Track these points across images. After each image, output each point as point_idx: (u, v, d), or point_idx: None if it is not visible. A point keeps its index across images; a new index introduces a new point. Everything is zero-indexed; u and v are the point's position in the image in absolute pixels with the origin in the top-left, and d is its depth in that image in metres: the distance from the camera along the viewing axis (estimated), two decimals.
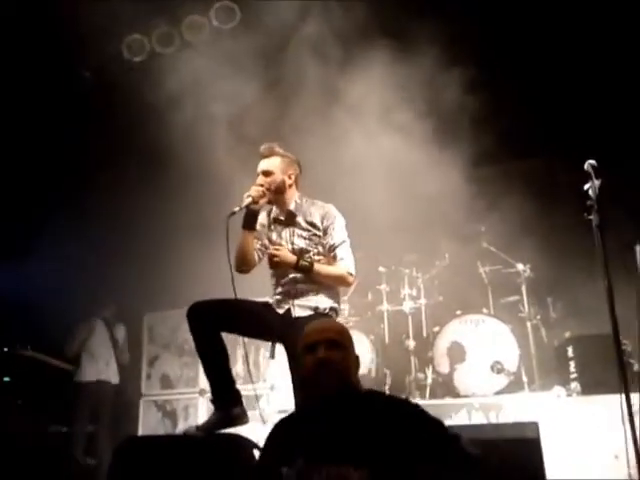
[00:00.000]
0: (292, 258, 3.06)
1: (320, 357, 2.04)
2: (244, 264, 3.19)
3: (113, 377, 6.04)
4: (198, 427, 3.03)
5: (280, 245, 3.17)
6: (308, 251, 3.14)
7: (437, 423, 1.98)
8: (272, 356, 3.24)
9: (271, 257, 3.07)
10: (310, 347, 2.10)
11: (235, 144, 4.65)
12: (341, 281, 3.15)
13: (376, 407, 2.02)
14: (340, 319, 5.23)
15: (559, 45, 4.87)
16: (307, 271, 3.06)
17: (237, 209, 3.09)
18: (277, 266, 3.09)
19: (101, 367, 5.94)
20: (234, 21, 5.41)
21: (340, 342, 2.11)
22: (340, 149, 4.73)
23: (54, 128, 5.82)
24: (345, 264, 3.12)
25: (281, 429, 2.18)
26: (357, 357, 2.19)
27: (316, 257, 3.15)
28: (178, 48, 5.56)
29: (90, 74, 5.82)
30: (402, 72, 4.65)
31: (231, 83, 4.82)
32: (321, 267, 3.10)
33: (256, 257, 3.25)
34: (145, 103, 4.96)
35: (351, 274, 3.13)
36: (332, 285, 3.18)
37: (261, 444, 2.84)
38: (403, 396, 5.02)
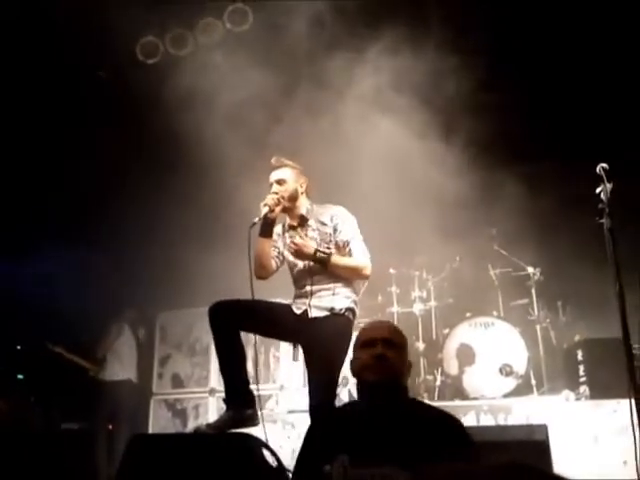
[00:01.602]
0: (311, 248, 3.11)
1: (378, 352, 2.12)
2: (262, 270, 3.26)
3: (134, 376, 6.19)
4: (209, 425, 3.07)
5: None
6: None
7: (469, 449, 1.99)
8: (295, 358, 3.28)
9: (292, 245, 3.13)
10: (367, 343, 2.18)
11: (248, 147, 4.68)
12: (359, 273, 3.17)
13: (421, 414, 2.08)
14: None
15: (572, 44, 4.84)
16: (324, 262, 3.10)
17: (257, 220, 3.16)
18: (297, 254, 3.14)
19: (126, 367, 6.11)
20: (247, 24, 5.44)
21: (396, 342, 2.19)
22: (351, 150, 4.75)
23: (67, 129, 5.87)
24: (360, 259, 3.16)
25: (322, 427, 2.23)
26: (410, 363, 2.26)
27: None
28: (192, 50, 5.59)
29: (104, 74, 5.87)
30: (417, 72, 4.66)
31: (244, 85, 4.85)
32: (338, 259, 3.14)
33: (274, 264, 3.32)
34: (158, 105, 5.00)
35: (368, 267, 3.16)
36: (350, 281, 3.20)
37: (270, 443, 2.89)
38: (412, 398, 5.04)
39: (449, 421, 2.08)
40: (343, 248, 3.18)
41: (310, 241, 3.21)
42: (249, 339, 3.61)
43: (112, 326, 6.20)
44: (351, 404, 2.22)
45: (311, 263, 3.17)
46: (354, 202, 3.44)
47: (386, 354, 2.12)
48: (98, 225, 6.21)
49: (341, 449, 1.94)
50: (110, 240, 6.33)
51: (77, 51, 5.47)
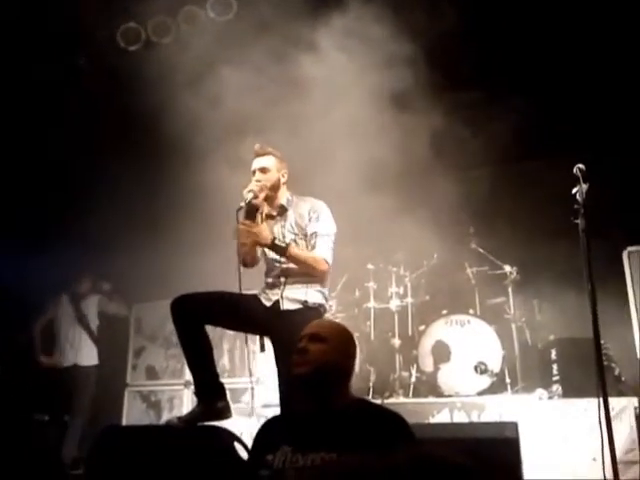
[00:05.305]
0: (268, 236, 3.08)
1: (299, 347, 2.14)
2: (250, 258, 3.22)
3: (86, 359, 5.73)
4: (180, 418, 3.04)
5: None
6: (296, 243, 3.17)
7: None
8: (262, 349, 3.26)
9: (248, 231, 3.07)
10: (298, 342, 2.19)
11: (230, 138, 4.63)
12: (314, 267, 3.12)
13: (364, 413, 2.06)
14: (327, 315, 5.28)
15: (553, 45, 4.86)
16: (282, 252, 3.08)
17: (243, 204, 3.12)
18: (254, 242, 3.10)
19: (67, 350, 5.66)
20: (230, 13, 5.39)
21: (323, 336, 2.16)
22: (342, 149, 4.72)
23: (43, 118, 5.75)
24: (321, 253, 3.13)
25: (268, 427, 2.25)
26: (349, 359, 2.20)
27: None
28: (174, 38, 5.52)
29: (84, 61, 5.77)
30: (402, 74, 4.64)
31: (227, 74, 4.80)
32: (297, 251, 3.12)
33: (259, 252, 3.28)
34: (137, 92, 4.94)
35: (326, 262, 3.13)
36: (312, 275, 3.16)
37: (244, 437, 2.87)
38: (386, 394, 5.05)
39: (388, 417, 2.04)
40: (310, 240, 3.17)
41: (287, 233, 3.21)
42: (224, 332, 3.58)
43: (48, 304, 5.69)
44: (296, 407, 2.25)
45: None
46: (335, 198, 3.42)
47: (307, 347, 2.12)
48: (72, 215, 6.09)
49: (285, 441, 2.02)
50: (87, 230, 6.23)
51: (55, 37, 5.37)
